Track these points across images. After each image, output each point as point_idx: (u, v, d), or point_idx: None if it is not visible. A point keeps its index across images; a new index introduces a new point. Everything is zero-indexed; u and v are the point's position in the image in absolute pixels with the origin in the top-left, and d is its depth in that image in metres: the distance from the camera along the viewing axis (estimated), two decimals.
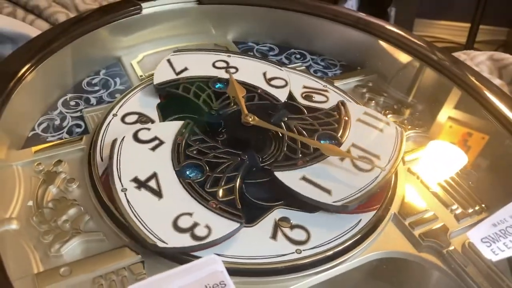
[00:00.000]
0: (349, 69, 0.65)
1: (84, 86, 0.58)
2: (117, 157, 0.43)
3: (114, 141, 0.44)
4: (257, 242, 0.40)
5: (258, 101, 0.53)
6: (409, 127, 0.55)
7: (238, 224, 0.39)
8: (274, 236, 0.40)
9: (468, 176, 0.50)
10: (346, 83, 0.62)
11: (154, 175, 0.42)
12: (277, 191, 0.44)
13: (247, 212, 0.40)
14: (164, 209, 0.39)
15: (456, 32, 1.83)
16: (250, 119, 0.47)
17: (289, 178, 0.43)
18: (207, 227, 0.38)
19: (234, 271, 0.37)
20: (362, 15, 0.65)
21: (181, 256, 0.37)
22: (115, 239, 0.40)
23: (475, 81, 0.55)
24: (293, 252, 0.39)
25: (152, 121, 0.49)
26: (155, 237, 0.37)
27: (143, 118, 0.50)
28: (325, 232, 0.41)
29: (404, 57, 0.61)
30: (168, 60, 0.56)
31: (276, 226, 0.41)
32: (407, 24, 1.52)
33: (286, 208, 0.43)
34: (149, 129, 0.46)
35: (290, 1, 0.67)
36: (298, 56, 0.67)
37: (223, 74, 0.55)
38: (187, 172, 0.43)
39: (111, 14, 0.60)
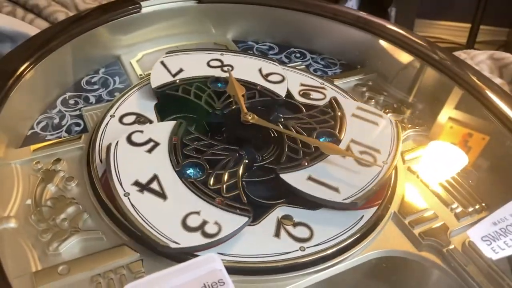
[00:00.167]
0: (349, 68, 0.65)
1: (83, 85, 0.58)
2: (115, 162, 0.42)
3: (109, 146, 0.43)
4: (261, 240, 0.40)
5: (259, 98, 0.53)
6: (409, 126, 0.55)
7: (247, 218, 0.39)
8: (277, 234, 0.40)
9: (468, 175, 0.50)
10: (346, 82, 0.61)
11: (155, 177, 0.41)
12: (278, 189, 0.44)
13: None
14: (171, 210, 0.39)
15: (456, 32, 1.82)
16: (250, 117, 0.47)
17: (296, 179, 0.43)
18: (217, 224, 0.38)
19: (239, 270, 0.37)
20: (362, 14, 0.65)
21: (179, 255, 0.37)
22: (113, 238, 0.40)
23: (476, 80, 0.55)
24: (297, 250, 0.39)
25: (150, 122, 0.49)
26: (167, 239, 0.36)
27: (141, 119, 0.49)
28: (328, 229, 0.41)
29: (404, 56, 0.61)
30: (162, 62, 0.55)
31: (279, 224, 0.41)
32: (407, 24, 1.52)
33: (288, 206, 0.43)
34: (142, 131, 0.45)
35: (290, 0, 0.66)
36: (298, 55, 0.67)
37: (219, 73, 0.55)
38: (188, 172, 0.43)
39: (110, 13, 0.60)
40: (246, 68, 0.56)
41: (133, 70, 0.60)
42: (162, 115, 0.50)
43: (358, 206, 0.42)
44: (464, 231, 0.42)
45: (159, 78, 0.53)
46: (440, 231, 0.43)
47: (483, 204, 0.46)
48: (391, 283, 0.44)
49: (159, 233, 0.37)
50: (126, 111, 0.50)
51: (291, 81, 0.56)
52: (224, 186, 0.42)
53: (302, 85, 0.56)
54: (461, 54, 0.75)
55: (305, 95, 0.55)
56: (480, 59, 0.73)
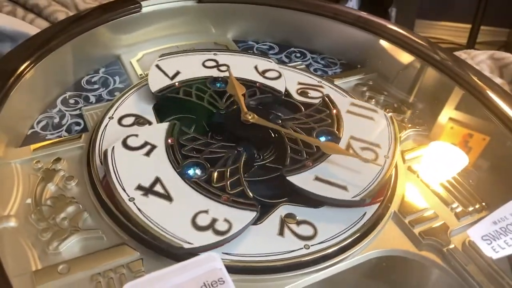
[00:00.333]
0: (349, 67, 0.65)
1: (84, 84, 0.58)
2: (114, 168, 0.42)
3: (105, 152, 0.43)
4: (265, 239, 0.40)
5: (260, 95, 0.53)
6: (409, 125, 0.55)
7: (255, 213, 0.39)
8: (281, 233, 0.40)
9: (469, 174, 0.49)
10: (347, 82, 0.61)
11: (157, 180, 0.41)
12: (280, 188, 0.44)
13: None
14: (179, 211, 0.39)
15: (456, 33, 1.82)
16: (250, 117, 0.47)
17: (303, 180, 0.43)
18: (226, 220, 0.38)
19: (245, 269, 0.37)
20: (362, 13, 0.65)
21: (179, 254, 0.37)
22: (113, 237, 0.40)
23: (477, 80, 0.55)
24: (302, 248, 0.39)
25: (150, 123, 0.49)
26: (180, 240, 0.36)
27: (140, 120, 0.49)
28: (332, 226, 0.41)
29: (404, 56, 0.61)
30: (157, 66, 0.55)
31: (283, 223, 0.41)
32: (407, 25, 1.51)
33: (291, 205, 0.43)
34: (136, 135, 0.45)
35: (290, 0, 0.67)
36: (298, 54, 0.67)
37: (215, 73, 0.55)
38: (189, 172, 0.43)
39: (110, 12, 0.60)
40: (242, 66, 0.56)
41: (133, 69, 0.60)
42: (161, 116, 0.50)
43: (367, 203, 0.42)
44: (464, 231, 0.42)
45: (158, 81, 0.52)
46: (440, 230, 0.43)
47: (484, 204, 0.46)
48: (391, 283, 0.44)
49: (171, 235, 0.37)
50: (125, 112, 0.50)
51: (288, 79, 0.56)
52: (228, 183, 0.42)
53: (299, 83, 0.56)
54: (462, 54, 0.76)
55: (303, 93, 0.55)
56: (480, 59, 0.73)
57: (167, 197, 0.40)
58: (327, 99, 0.52)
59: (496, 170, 0.51)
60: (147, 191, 0.40)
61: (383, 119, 0.51)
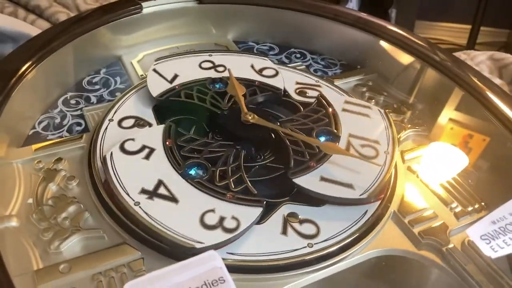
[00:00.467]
0: (349, 68, 0.65)
1: (85, 85, 0.58)
2: (115, 174, 0.42)
3: (105, 158, 0.43)
4: (269, 239, 0.40)
5: (260, 93, 0.53)
6: (409, 125, 0.55)
7: (261, 208, 0.40)
8: (284, 232, 0.40)
9: (468, 175, 0.50)
10: (346, 82, 0.62)
11: (160, 183, 0.41)
12: (281, 187, 0.44)
13: None
14: (186, 212, 0.39)
15: (456, 33, 1.82)
16: (250, 117, 0.47)
17: (310, 182, 0.43)
18: (234, 218, 0.39)
19: (249, 269, 0.37)
20: (362, 14, 0.66)
21: (180, 253, 0.37)
22: (114, 236, 0.40)
23: (476, 81, 0.55)
24: (305, 246, 0.39)
25: (150, 124, 0.49)
26: (191, 240, 0.37)
27: (140, 122, 0.49)
28: (334, 224, 0.41)
29: (404, 56, 0.61)
30: (155, 70, 0.55)
31: (285, 222, 0.41)
32: (407, 26, 1.51)
33: (293, 204, 0.43)
34: (133, 139, 0.45)
35: (291, 0, 0.67)
36: (298, 55, 0.68)
37: (213, 74, 0.55)
38: (191, 172, 0.43)
39: (111, 13, 0.60)
40: (239, 66, 0.56)
41: (134, 70, 0.60)
42: (161, 117, 0.50)
43: (374, 199, 0.43)
44: (464, 230, 0.42)
45: (157, 86, 0.52)
46: (439, 230, 0.43)
47: (483, 204, 0.46)
48: (391, 282, 0.44)
49: (181, 237, 0.37)
50: (125, 114, 0.50)
51: (286, 79, 0.56)
52: (231, 181, 0.42)
53: (297, 83, 0.56)
54: (461, 55, 0.76)
55: (301, 93, 0.55)
56: (480, 60, 0.74)
57: (173, 199, 0.40)
58: (321, 98, 0.53)
59: (496, 171, 0.51)
60: (152, 194, 0.40)
61: (378, 115, 0.52)
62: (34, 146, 0.48)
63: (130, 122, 0.49)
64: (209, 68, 0.56)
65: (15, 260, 0.37)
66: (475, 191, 0.48)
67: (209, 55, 0.59)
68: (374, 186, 0.43)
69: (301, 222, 0.41)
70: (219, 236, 0.37)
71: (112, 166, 0.42)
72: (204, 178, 0.42)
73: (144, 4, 0.62)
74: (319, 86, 0.56)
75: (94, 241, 0.40)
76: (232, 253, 0.38)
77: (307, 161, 0.45)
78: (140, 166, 0.43)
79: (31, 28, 0.70)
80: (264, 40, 0.70)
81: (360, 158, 0.45)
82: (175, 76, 0.54)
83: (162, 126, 0.47)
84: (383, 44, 0.63)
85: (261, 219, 0.41)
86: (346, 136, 0.48)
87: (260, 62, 0.58)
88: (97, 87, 0.58)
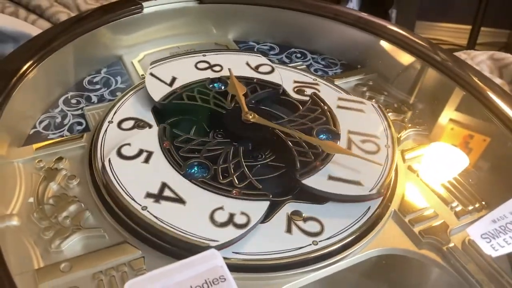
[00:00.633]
0: (349, 68, 0.66)
1: (85, 85, 0.58)
2: (117, 181, 0.41)
3: (103, 166, 0.42)
4: (274, 237, 0.40)
5: (260, 90, 0.53)
6: (409, 125, 0.55)
7: (269, 201, 0.40)
8: (289, 230, 0.40)
9: (469, 174, 0.50)
10: (347, 82, 0.62)
11: (164, 185, 0.41)
12: (284, 186, 0.44)
13: None
14: (195, 211, 0.39)
15: (457, 34, 1.83)
16: (250, 116, 0.47)
17: (318, 182, 0.43)
18: (244, 213, 0.39)
19: (254, 268, 0.38)
20: (362, 14, 0.66)
21: (180, 252, 0.37)
22: (115, 235, 0.40)
23: (477, 81, 0.55)
24: (310, 244, 0.39)
25: (150, 126, 0.49)
26: (204, 239, 0.37)
27: (140, 123, 0.49)
28: (338, 222, 0.41)
29: (405, 56, 0.61)
30: (152, 74, 0.54)
31: (290, 220, 0.41)
32: (407, 26, 1.50)
33: (296, 202, 0.43)
34: (129, 144, 0.45)
35: (291, 0, 0.67)
36: (298, 55, 0.68)
37: (211, 74, 0.55)
38: (193, 172, 0.43)
39: (112, 13, 0.60)
40: (235, 64, 0.56)
41: (135, 70, 0.60)
42: (161, 118, 0.50)
43: (382, 195, 0.43)
44: (464, 230, 0.42)
45: (158, 90, 0.52)
46: (440, 229, 0.43)
47: (483, 203, 0.46)
48: (391, 281, 0.44)
49: (194, 237, 0.37)
50: (124, 115, 0.50)
51: (284, 79, 0.56)
52: (234, 177, 0.42)
53: (295, 82, 0.56)
54: (461, 55, 0.76)
55: (299, 91, 0.55)
56: (480, 60, 0.74)
57: (179, 200, 0.40)
58: (315, 97, 0.53)
59: (496, 170, 0.51)
60: (158, 197, 0.40)
61: (372, 110, 0.52)
62: (35, 146, 0.48)
63: (130, 123, 0.49)
64: (206, 69, 0.56)
65: (16, 259, 0.37)
66: (476, 190, 0.48)
67: (203, 55, 0.58)
68: (381, 181, 0.43)
69: (305, 220, 0.41)
70: (231, 232, 0.38)
71: (112, 172, 0.42)
72: (206, 177, 0.42)
73: (144, 4, 0.62)
74: (316, 84, 0.56)
75: (94, 240, 0.40)
76: (238, 252, 0.38)
77: (313, 161, 0.45)
78: (141, 170, 0.43)
79: (32, 28, 0.70)
80: (264, 40, 0.70)
81: (363, 158, 0.45)
82: (174, 79, 0.54)
83: (156, 129, 0.47)
84: (384, 44, 0.63)
85: (265, 218, 0.41)
86: (346, 133, 0.49)
87: (255, 59, 0.58)
88: (98, 86, 0.58)
